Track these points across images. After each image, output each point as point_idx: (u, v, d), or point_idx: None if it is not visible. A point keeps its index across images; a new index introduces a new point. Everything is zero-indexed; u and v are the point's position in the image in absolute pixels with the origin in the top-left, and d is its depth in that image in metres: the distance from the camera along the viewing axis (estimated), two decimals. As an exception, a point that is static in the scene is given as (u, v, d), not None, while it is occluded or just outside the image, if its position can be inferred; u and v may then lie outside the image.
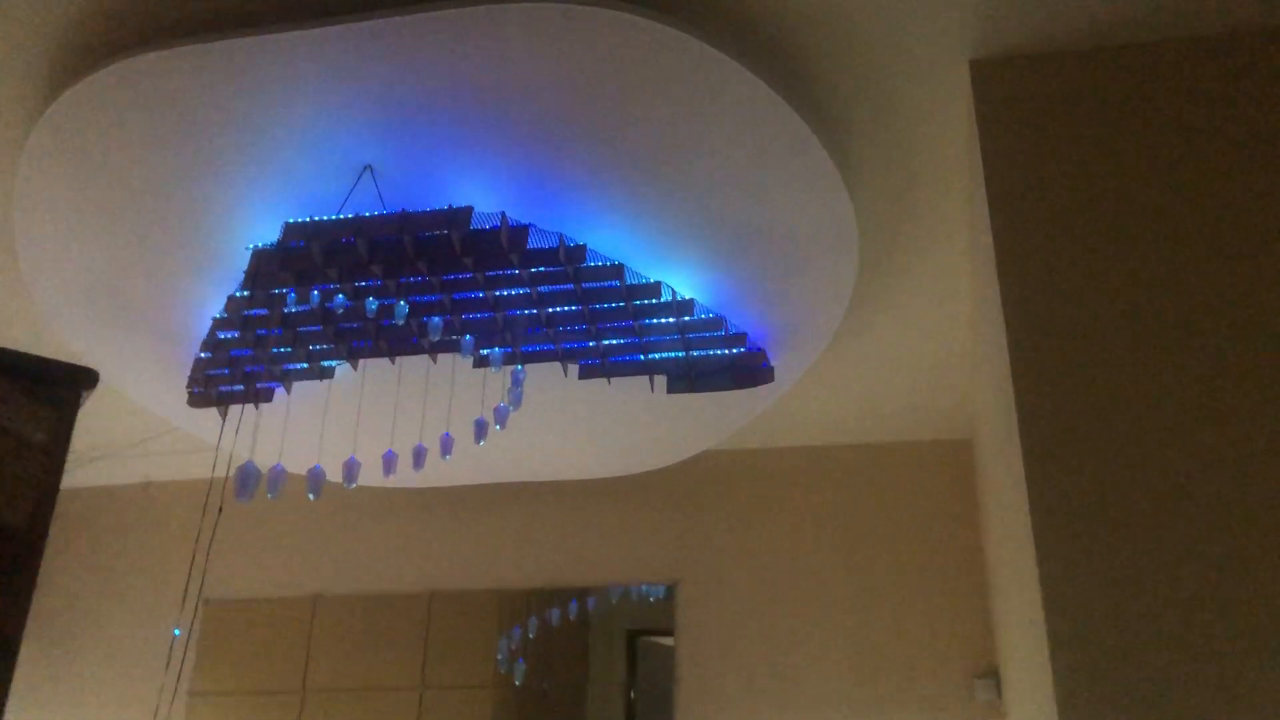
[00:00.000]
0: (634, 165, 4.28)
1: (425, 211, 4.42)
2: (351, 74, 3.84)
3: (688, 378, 5.34)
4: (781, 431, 6.43)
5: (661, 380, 5.41)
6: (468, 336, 4.82)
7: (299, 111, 4.06)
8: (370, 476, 5.41)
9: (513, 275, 4.75)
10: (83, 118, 4.02)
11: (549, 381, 5.45)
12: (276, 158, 4.32)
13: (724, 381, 5.31)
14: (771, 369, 5.28)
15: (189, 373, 5.32)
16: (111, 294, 4.98)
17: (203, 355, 5.26)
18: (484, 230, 4.53)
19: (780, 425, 6.33)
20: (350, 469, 4.79)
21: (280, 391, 5.48)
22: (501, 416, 4.83)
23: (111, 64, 3.79)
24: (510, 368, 5.07)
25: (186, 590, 5.51)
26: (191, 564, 5.38)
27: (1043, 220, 2.84)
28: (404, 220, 4.39)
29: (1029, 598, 2.54)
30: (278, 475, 4.53)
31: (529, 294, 4.88)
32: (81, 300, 5.02)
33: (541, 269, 4.73)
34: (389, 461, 4.87)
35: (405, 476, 6.46)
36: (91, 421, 6.60)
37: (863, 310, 5.34)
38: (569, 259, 4.60)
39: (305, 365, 5.33)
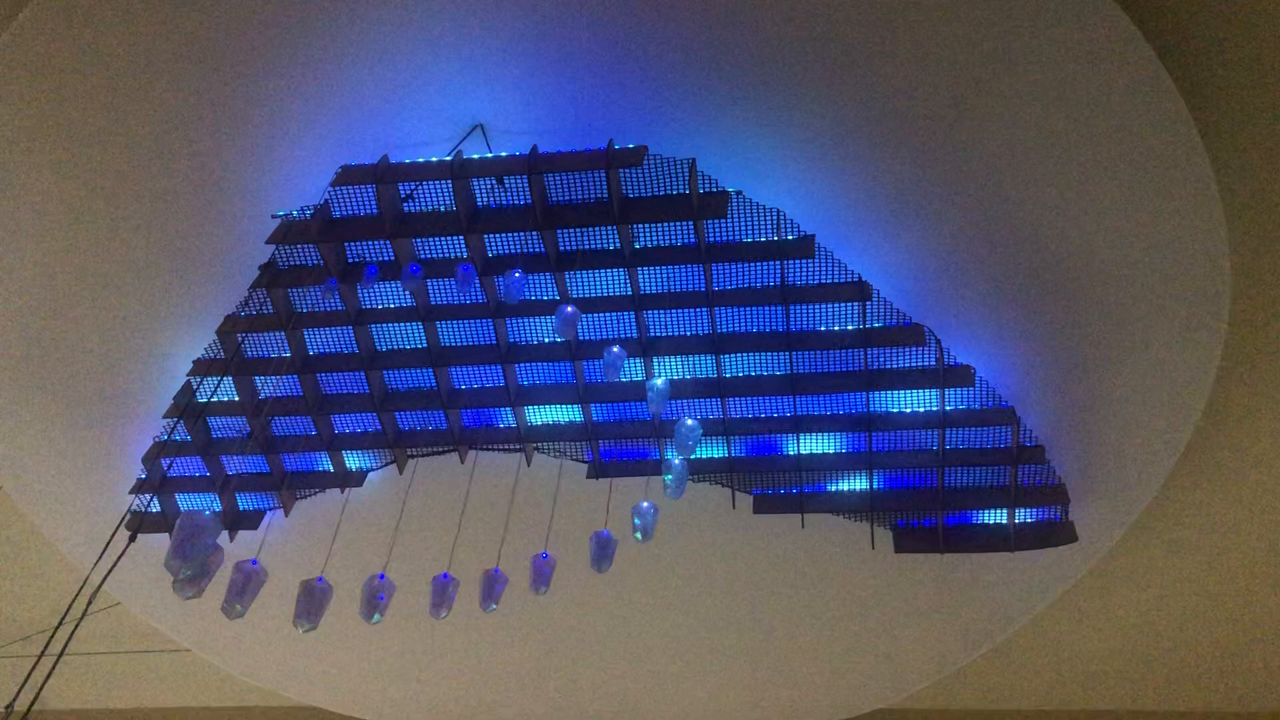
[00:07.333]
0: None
1: (573, 152, 2.76)
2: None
3: (935, 530, 3.26)
4: (1015, 683, 4.09)
5: (885, 535, 3.34)
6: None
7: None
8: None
9: (689, 293, 2.96)
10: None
11: (677, 522, 3.37)
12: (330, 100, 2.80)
13: (992, 539, 3.23)
14: (1073, 525, 3.22)
15: (140, 459, 3.33)
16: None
17: (162, 438, 3.32)
18: (658, 197, 2.84)
19: (1017, 668, 4.01)
20: (442, 591, 2.69)
21: (272, 513, 3.44)
22: (647, 522, 2.75)
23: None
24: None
25: None
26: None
27: None
28: (534, 163, 2.72)
29: None
30: (322, 592, 2.44)
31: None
32: None
33: (730, 278, 2.95)
34: (492, 583, 2.76)
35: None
36: None
37: (1207, 446, 3.37)
38: (783, 250, 2.82)
39: (330, 469, 3.33)
